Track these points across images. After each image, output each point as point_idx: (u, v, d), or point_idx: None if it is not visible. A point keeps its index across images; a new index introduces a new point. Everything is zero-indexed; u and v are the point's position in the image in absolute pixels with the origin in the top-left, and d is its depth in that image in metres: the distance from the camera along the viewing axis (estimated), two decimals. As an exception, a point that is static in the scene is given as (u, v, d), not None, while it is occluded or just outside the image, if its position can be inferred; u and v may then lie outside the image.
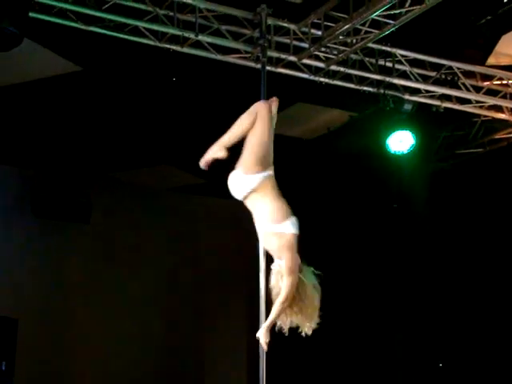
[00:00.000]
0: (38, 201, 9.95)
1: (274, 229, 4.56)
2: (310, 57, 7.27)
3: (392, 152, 8.38)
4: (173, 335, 10.53)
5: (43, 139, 9.17)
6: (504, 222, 9.22)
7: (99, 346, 10.07)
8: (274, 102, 4.99)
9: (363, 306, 10.25)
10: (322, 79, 7.52)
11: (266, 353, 4.79)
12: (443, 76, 7.93)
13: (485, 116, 8.69)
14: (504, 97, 8.31)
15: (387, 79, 7.72)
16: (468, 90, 8.10)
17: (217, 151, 4.75)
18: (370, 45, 7.35)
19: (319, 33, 7.00)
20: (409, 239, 9.79)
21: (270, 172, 4.69)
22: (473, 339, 9.27)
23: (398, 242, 9.85)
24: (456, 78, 7.96)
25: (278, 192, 4.68)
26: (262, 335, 4.55)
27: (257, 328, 4.73)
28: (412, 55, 7.72)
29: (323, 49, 7.18)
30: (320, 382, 10.34)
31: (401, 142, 8.29)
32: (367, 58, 7.56)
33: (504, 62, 7.97)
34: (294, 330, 4.53)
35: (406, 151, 8.37)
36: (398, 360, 9.77)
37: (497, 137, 9.11)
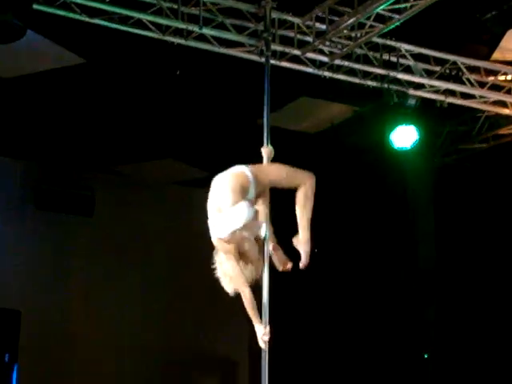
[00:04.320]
0: (41, 193, 9.96)
1: None
2: (314, 51, 7.25)
3: (395, 147, 8.37)
4: (173, 327, 10.54)
5: (47, 132, 9.18)
6: (508, 217, 9.22)
7: (101, 337, 10.09)
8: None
9: (360, 298, 10.29)
10: (325, 73, 7.50)
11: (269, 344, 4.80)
12: (448, 71, 7.91)
13: (489, 111, 8.67)
14: (508, 92, 8.29)
15: (391, 74, 7.70)
16: (472, 85, 8.08)
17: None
18: (375, 39, 7.33)
19: (323, 27, 6.98)
20: (411, 233, 9.77)
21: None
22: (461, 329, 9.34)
23: (401, 236, 9.84)
24: (460, 73, 7.94)
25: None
26: None
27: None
28: (416, 50, 7.70)
29: (327, 43, 7.16)
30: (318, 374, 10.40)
31: (404, 137, 8.27)
32: (371, 53, 7.54)
33: (509, 57, 7.95)
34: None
35: (409, 146, 8.35)
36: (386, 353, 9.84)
37: (501, 132, 9.10)
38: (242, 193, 4.60)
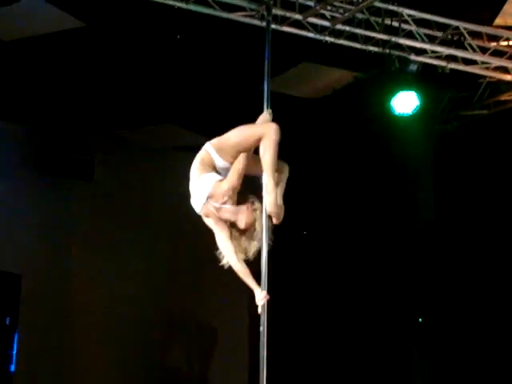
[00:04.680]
0: (42, 158, 9.95)
1: None
2: (316, 15, 7.21)
3: (396, 113, 8.35)
4: (174, 292, 10.60)
5: (47, 96, 9.13)
6: (507, 182, 9.23)
7: (102, 301, 10.15)
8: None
9: (356, 266, 10.34)
10: (327, 38, 7.45)
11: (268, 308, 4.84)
12: (450, 36, 7.86)
13: (490, 77, 8.64)
14: (510, 58, 8.25)
15: (393, 39, 7.66)
16: (474, 50, 8.04)
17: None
18: (377, 4, 7.29)
19: (325, -9, 6.94)
20: (410, 200, 9.79)
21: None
22: (453, 294, 9.41)
23: (400, 203, 9.86)
24: (462, 39, 7.89)
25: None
26: None
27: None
28: (419, 15, 7.65)
29: (329, 7, 7.12)
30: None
31: (405, 102, 8.25)
32: (373, 18, 7.49)
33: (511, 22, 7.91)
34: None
35: (410, 112, 8.34)
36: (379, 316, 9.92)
37: (502, 99, 9.08)
38: (206, 168, 4.78)
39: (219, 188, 4.71)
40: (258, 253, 4.82)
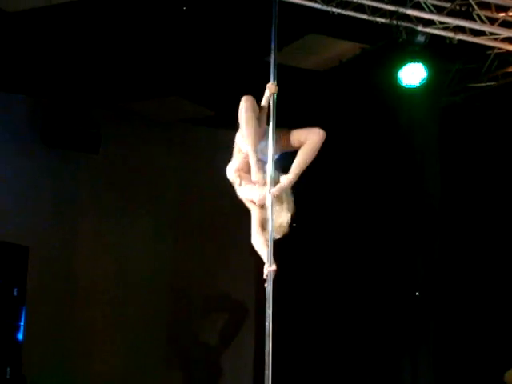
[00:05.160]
0: (48, 130, 9.95)
1: None
2: (323, -14, 7.16)
3: (403, 85, 8.32)
4: (181, 265, 10.65)
5: (54, 68, 9.11)
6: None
7: (109, 272, 10.21)
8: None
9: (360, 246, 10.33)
10: (334, 9, 7.40)
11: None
12: (458, 7, 7.79)
13: (499, 49, 8.57)
14: (519, 29, 8.18)
15: (401, 10, 7.59)
16: (483, 21, 7.96)
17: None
18: (384, -26, 7.23)
19: (332, -39, 6.88)
20: (416, 173, 9.76)
21: None
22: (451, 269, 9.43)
23: (405, 176, 9.83)
24: (471, 9, 7.82)
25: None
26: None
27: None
28: (426, -15, 7.59)
29: (336, -23, 7.06)
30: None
31: (413, 74, 8.21)
32: (381, -12, 7.44)
33: (521, -8, 7.83)
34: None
35: (417, 84, 8.30)
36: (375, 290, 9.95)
37: (510, 70, 9.01)
38: (238, 153, 5.02)
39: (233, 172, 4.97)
40: None
